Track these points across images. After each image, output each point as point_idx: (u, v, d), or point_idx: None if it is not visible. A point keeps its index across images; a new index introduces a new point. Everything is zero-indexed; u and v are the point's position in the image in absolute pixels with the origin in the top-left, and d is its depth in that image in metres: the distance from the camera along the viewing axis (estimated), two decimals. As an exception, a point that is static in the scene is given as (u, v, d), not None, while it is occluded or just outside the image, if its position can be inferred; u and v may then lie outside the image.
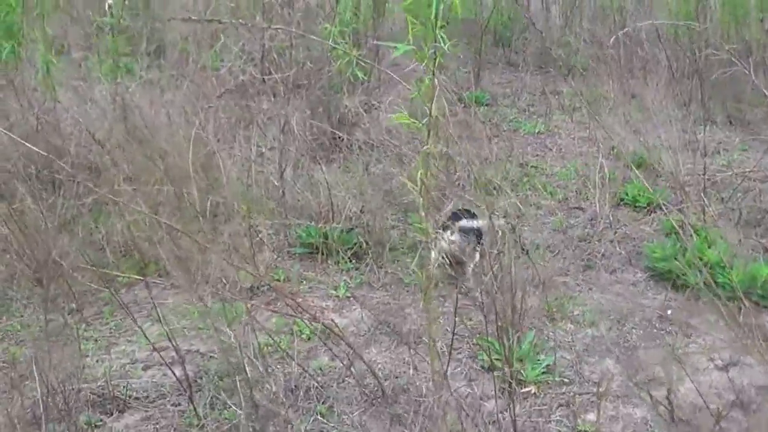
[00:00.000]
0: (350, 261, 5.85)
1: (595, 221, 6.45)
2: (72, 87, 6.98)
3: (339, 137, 7.29)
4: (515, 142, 8.14)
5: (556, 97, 9.52)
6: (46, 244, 4.93)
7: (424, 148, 3.59)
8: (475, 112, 8.05)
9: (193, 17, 4.07)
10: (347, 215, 6.07)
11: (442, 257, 5.11)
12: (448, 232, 5.55)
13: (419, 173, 3.63)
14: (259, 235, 5.68)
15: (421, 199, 3.69)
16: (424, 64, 3.48)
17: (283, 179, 6.26)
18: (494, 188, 6.77)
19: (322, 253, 5.87)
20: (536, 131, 8.71)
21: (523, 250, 5.17)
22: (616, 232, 6.25)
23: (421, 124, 3.54)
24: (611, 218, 6.38)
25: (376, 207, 6.08)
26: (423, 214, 3.75)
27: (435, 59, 3.52)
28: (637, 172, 6.59)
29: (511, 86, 10.32)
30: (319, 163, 6.71)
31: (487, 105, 9.44)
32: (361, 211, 6.05)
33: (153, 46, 8.82)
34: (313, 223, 6.03)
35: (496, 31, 11.70)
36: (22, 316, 5.15)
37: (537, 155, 8.04)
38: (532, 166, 7.66)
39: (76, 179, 5.82)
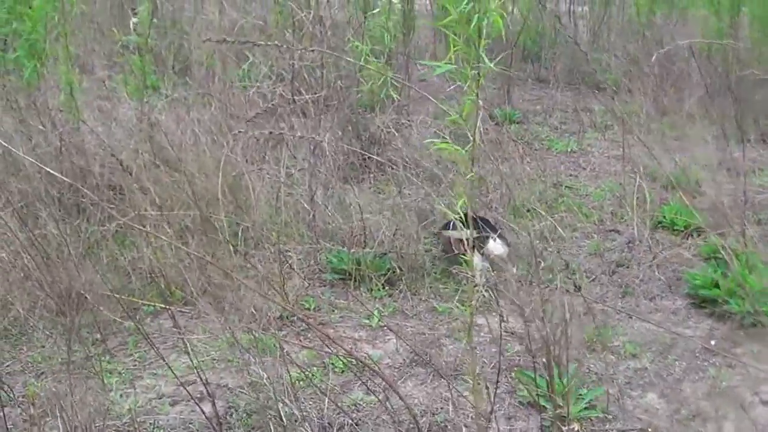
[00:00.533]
0: (383, 288, 5.60)
1: (633, 245, 6.19)
2: (96, 107, 6.77)
3: (370, 157, 7.07)
4: (548, 161, 7.89)
5: (588, 114, 9.26)
6: (69, 271, 4.72)
7: (468, 176, 3.36)
8: (507, 130, 7.82)
9: (228, 39, 3.85)
10: (380, 239, 5.83)
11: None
12: (490, 241, 5.47)
13: (461, 203, 3.40)
14: (289, 262, 5.44)
15: (466, 231, 3.46)
16: (467, 84, 3.26)
17: (314, 202, 6.02)
18: (528, 210, 6.54)
19: (354, 280, 5.60)
20: (569, 150, 8.43)
21: (575, 286, 4.87)
22: (654, 257, 5.97)
23: (464, 152, 3.31)
24: (650, 242, 6.11)
25: (409, 231, 5.83)
26: (469, 245, 3.52)
27: (478, 80, 3.30)
28: (674, 193, 6.38)
29: (541, 103, 10.04)
30: (351, 184, 6.47)
31: (517, 122, 9.16)
32: (393, 235, 5.80)
33: (179, 64, 8.63)
34: (344, 248, 5.78)
35: (524, 46, 11.40)
36: (43, 346, 4.90)
37: (570, 175, 7.76)
38: (566, 187, 7.39)
39: (101, 203, 5.62)
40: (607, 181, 7.50)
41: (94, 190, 5.77)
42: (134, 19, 7.13)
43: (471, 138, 3.30)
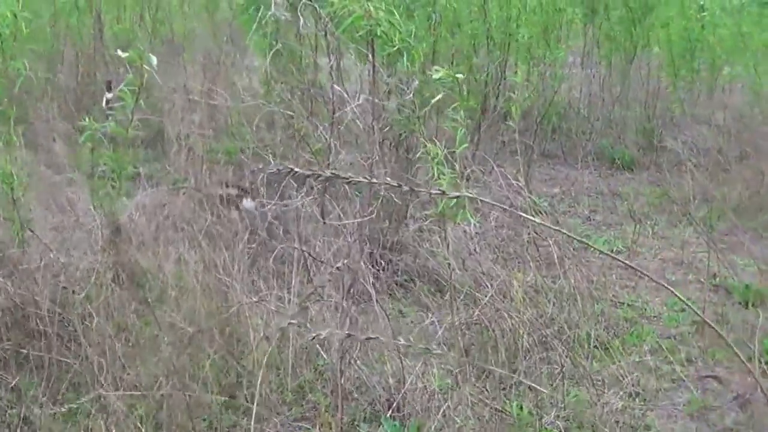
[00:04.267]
0: (441, 489, 3.68)
1: (744, 399, 4.36)
2: (49, 213, 4.91)
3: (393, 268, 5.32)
4: (593, 266, 5.94)
5: (624, 202, 7.32)
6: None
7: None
8: (552, 230, 5.93)
9: (296, 168, 2.22)
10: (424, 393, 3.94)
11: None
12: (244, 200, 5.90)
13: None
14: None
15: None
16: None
17: (343, 360, 4.08)
18: (596, 347, 4.80)
19: (402, 476, 3.69)
20: (613, 249, 6.52)
21: None
22: (780, 424, 4.14)
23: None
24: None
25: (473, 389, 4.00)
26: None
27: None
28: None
29: (560, 185, 8.16)
30: (385, 313, 4.55)
31: (543, 213, 7.19)
32: (455, 408, 3.86)
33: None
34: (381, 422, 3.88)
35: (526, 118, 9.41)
36: None
37: (626, 286, 5.84)
38: (627, 305, 5.51)
39: (49, 355, 3.82)
40: (674, 298, 5.66)
41: (39, 336, 3.92)
42: (108, 95, 5.33)
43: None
